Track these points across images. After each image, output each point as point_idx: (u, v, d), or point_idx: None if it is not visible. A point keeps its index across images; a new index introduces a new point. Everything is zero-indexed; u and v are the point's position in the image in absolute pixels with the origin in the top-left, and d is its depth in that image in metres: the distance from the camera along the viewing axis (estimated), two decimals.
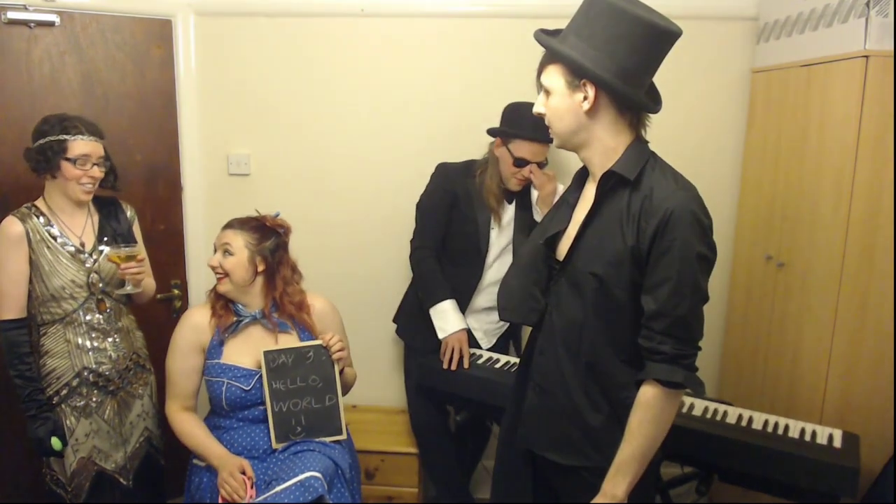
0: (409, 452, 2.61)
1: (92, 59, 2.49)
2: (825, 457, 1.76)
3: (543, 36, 1.45)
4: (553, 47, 1.41)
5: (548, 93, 1.45)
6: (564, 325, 1.48)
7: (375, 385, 2.88)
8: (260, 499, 1.84)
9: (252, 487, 1.88)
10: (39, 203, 2.06)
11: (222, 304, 2.10)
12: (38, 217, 2.02)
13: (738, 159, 2.69)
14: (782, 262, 2.32)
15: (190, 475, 2.08)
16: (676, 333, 1.36)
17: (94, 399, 2.06)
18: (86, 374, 2.05)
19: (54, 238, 2.02)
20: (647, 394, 1.39)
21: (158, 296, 2.66)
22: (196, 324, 2.10)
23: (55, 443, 1.97)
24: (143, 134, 2.64)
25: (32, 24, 2.36)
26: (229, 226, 2.11)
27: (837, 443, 1.83)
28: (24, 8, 2.33)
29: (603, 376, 1.46)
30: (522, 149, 2.28)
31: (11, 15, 2.31)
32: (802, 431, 1.89)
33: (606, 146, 1.43)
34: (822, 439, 1.85)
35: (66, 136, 1.97)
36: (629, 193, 1.40)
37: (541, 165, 2.32)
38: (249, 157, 2.80)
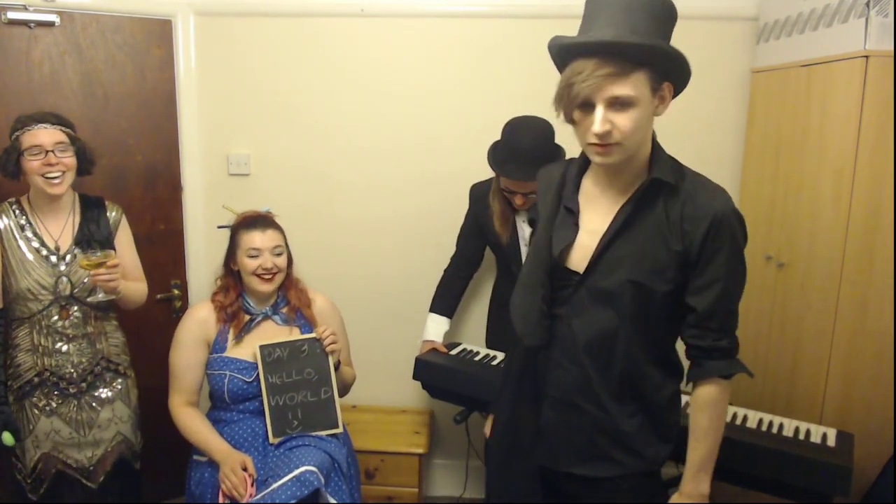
0: (409, 452, 2.61)
1: (92, 60, 2.49)
2: (818, 455, 1.76)
3: (635, 38, 1.25)
4: (664, 48, 1.28)
5: (627, 105, 1.27)
6: (591, 337, 1.42)
7: (375, 385, 2.88)
8: (257, 498, 1.85)
9: (252, 485, 1.89)
10: (23, 200, 2.04)
11: (234, 307, 2.15)
12: (17, 213, 2.00)
13: (739, 159, 2.69)
14: (782, 262, 2.32)
15: (190, 471, 2.08)
16: (729, 328, 1.40)
17: (54, 400, 2.03)
18: (46, 374, 2.01)
19: (28, 238, 1.99)
20: (711, 392, 1.40)
21: (158, 296, 2.66)
22: (202, 318, 2.15)
23: (6, 437, 1.94)
24: (144, 134, 2.64)
25: (32, 25, 2.36)
26: (268, 226, 2.15)
27: (831, 441, 1.83)
28: (24, 8, 2.33)
29: (638, 381, 1.43)
30: (508, 182, 2.25)
31: (11, 15, 2.31)
32: (797, 430, 1.89)
33: (645, 150, 1.40)
34: (815, 438, 1.85)
35: (16, 133, 1.94)
36: (665, 198, 1.38)
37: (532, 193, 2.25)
38: (249, 157, 2.80)
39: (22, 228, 1.99)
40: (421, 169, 2.77)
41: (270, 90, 2.75)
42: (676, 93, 1.40)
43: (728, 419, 1.94)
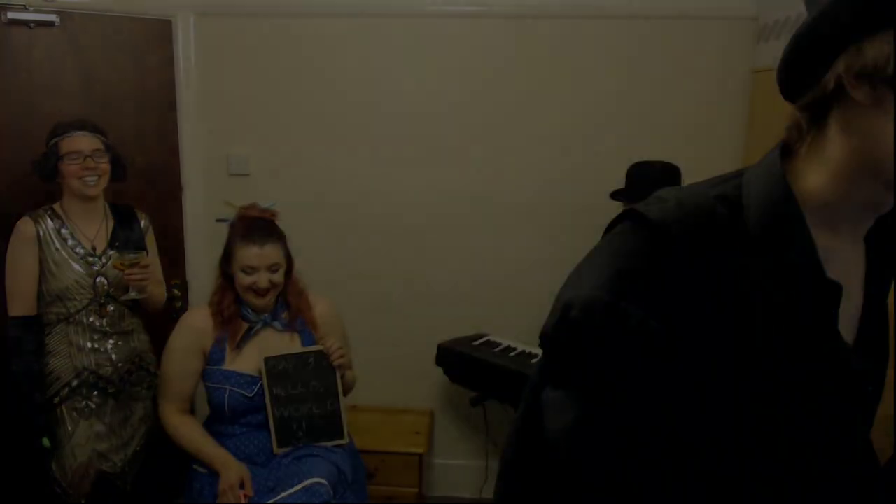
0: (409, 452, 2.61)
1: (92, 60, 2.49)
2: None
3: None
4: None
5: None
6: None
7: (376, 385, 2.87)
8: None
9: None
10: (56, 206, 2.11)
11: (231, 311, 2.05)
12: (52, 219, 2.07)
13: (738, 161, 2.69)
14: None
15: (190, 480, 2.04)
16: None
17: (93, 401, 2.08)
18: (86, 374, 2.07)
19: (65, 239, 2.06)
20: None
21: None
22: (197, 327, 2.06)
23: (45, 442, 1.99)
24: (144, 135, 2.64)
25: (32, 24, 2.35)
26: (268, 240, 2.01)
27: None
28: (24, 8, 2.33)
29: None
30: None
31: (11, 15, 2.31)
32: None
33: None
34: None
35: (55, 139, 2.04)
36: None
37: None
38: (249, 158, 2.79)
39: (58, 231, 2.07)
40: (420, 168, 2.77)
41: (271, 90, 2.75)
42: None
43: None
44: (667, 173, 2.24)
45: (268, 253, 2.01)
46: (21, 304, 2.03)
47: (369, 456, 2.56)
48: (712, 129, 2.69)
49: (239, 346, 2.04)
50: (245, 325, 2.07)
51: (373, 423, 2.77)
